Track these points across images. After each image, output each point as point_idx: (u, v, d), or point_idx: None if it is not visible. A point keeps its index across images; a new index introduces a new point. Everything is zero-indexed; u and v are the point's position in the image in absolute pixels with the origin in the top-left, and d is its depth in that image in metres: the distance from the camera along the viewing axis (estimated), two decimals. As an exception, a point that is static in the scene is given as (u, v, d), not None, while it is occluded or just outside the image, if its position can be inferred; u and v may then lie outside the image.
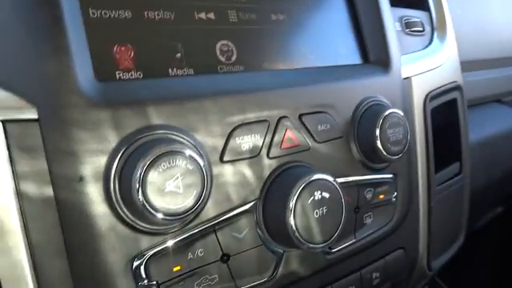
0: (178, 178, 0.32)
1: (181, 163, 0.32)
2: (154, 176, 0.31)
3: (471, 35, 0.94)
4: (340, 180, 0.44)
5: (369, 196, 0.49)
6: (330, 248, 0.46)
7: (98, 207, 0.32)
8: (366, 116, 0.47)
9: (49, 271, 0.33)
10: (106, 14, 0.36)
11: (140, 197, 0.31)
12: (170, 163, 0.32)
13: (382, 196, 0.50)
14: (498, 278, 1.25)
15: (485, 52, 0.99)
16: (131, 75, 0.37)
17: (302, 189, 0.38)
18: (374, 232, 0.50)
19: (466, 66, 0.91)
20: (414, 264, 0.60)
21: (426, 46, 0.64)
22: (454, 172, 0.67)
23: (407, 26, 0.61)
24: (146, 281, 0.34)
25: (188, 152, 0.33)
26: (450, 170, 0.66)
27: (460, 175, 0.68)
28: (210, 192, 0.36)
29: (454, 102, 0.67)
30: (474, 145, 0.86)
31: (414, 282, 0.62)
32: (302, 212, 0.38)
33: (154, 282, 0.35)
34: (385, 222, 0.51)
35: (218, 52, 0.42)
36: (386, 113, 0.46)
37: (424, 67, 0.60)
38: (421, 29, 0.64)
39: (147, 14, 0.38)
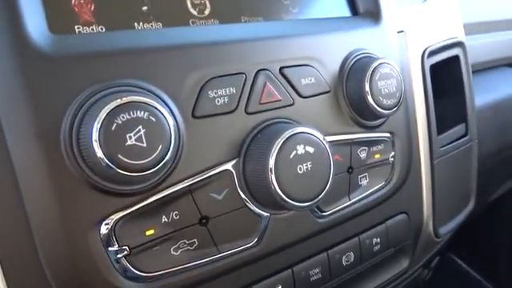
0: (139, 130, 0.29)
1: (142, 114, 0.29)
2: (112, 128, 0.28)
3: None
4: (329, 138, 0.41)
5: (363, 155, 0.45)
6: (322, 211, 0.43)
7: (57, 168, 0.30)
8: (355, 69, 0.43)
9: (12, 247, 0.31)
10: None
11: (98, 151, 0.28)
12: (130, 114, 0.29)
13: (377, 156, 0.47)
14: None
15: (493, 13, 0.94)
16: (92, 29, 0.34)
17: (284, 142, 0.35)
18: (370, 194, 0.47)
19: (474, 27, 0.86)
20: (419, 230, 0.56)
21: (424, 0, 0.60)
22: (460, 134, 0.63)
23: (401, -22, 0.57)
24: (116, 246, 0.32)
25: (150, 102, 0.30)
26: (454, 132, 0.62)
27: (466, 137, 0.64)
28: (180, 148, 0.33)
29: (456, 59, 0.63)
30: (484, 109, 0.81)
31: (420, 249, 0.59)
32: (284, 167, 0.35)
33: (125, 247, 0.32)
34: (382, 184, 0.48)
35: (189, 5, 0.39)
36: (376, 64, 0.43)
37: (421, 21, 0.56)
38: (417, -18, 0.60)
39: None
